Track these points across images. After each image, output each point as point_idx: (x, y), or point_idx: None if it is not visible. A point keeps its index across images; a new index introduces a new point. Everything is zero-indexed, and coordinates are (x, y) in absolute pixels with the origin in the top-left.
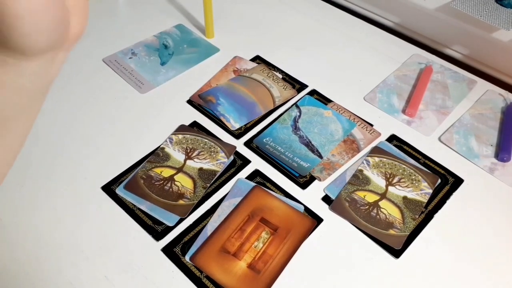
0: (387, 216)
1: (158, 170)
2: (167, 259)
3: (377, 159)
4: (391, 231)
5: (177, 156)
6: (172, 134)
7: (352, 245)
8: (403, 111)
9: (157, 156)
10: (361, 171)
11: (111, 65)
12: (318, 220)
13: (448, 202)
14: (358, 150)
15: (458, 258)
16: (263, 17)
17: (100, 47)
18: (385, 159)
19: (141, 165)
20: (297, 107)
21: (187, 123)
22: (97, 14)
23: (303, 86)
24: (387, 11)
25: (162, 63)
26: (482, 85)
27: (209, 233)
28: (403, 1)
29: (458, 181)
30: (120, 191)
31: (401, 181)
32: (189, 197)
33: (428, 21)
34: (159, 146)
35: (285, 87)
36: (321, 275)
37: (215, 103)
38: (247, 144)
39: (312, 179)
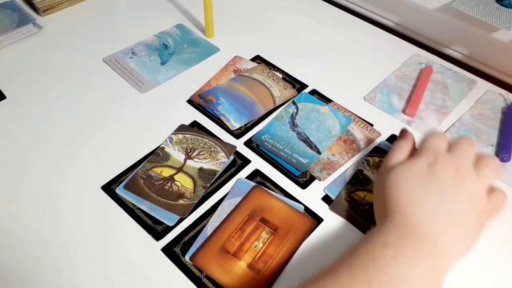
0: None
1: (158, 169)
2: (167, 259)
3: (377, 159)
4: None
5: (177, 156)
6: (172, 134)
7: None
8: (403, 111)
9: (157, 155)
10: (361, 171)
11: (111, 64)
12: (318, 220)
13: None
14: (358, 150)
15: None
16: (263, 17)
17: (100, 47)
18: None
19: (141, 165)
20: (294, 103)
21: (187, 122)
22: (97, 14)
23: (303, 86)
24: (387, 11)
25: (162, 63)
26: (482, 85)
27: (209, 233)
28: (403, 1)
29: None
30: (120, 191)
31: None
32: (189, 197)
33: (428, 21)
34: (159, 146)
35: (285, 87)
36: None
37: (215, 103)
38: (247, 144)
39: (312, 178)
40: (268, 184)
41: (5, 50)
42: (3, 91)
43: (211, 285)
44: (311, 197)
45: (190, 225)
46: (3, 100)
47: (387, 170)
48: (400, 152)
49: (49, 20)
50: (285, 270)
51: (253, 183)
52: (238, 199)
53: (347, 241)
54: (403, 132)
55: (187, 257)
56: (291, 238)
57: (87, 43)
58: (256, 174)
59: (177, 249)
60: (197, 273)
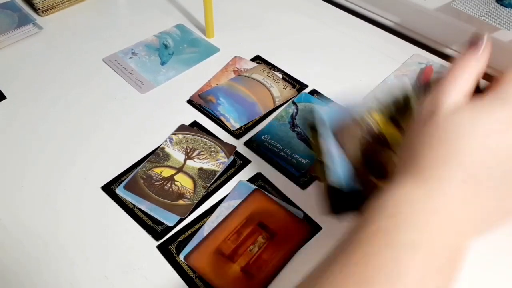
0: None
1: (158, 170)
2: (167, 259)
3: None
4: None
5: (177, 156)
6: (172, 134)
7: None
8: None
9: (157, 156)
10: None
11: (111, 65)
12: (316, 228)
13: None
14: None
15: None
16: (263, 17)
17: (100, 47)
18: None
19: (141, 165)
20: (294, 103)
21: (187, 123)
22: (97, 14)
23: (303, 86)
24: (387, 11)
25: (162, 63)
26: (482, 85)
27: (205, 233)
28: (403, 1)
29: None
30: (120, 191)
31: None
32: (189, 197)
33: (428, 21)
34: (159, 146)
35: (285, 87)
36: None
37: (215, 103)
38: (247, 144)
39: (312, 179)
40: (269, 188)
41: (5, 50)
42: (3, 91)
43: (203, 286)
44: (311, 200)
45: (187, 224)
46: (3, 100)
47: (443, 111)
48: (464, 80)
49: (49, 20)
50: (278, 277)
51: (254, 186)
52: (238, 201)
53: None
54: (475, 39)
55: (181, 256)
56: (287, 245)
57: (87, 43)
58: (258, 178)
59: (172, 247)
60: (190, 272)
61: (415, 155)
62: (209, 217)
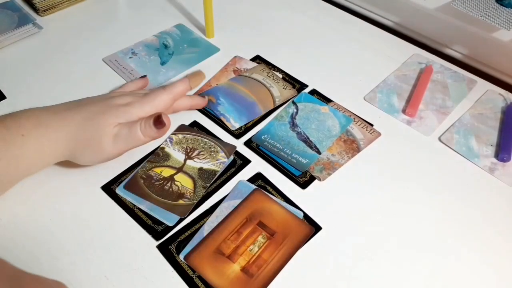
0: None
1: (158, 170)
2: (167, 259)
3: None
4: None
5: (177, 156)
6: (172, 134)
7: (349, 256)
8: (403, 111)
9: (157, 156)
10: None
11: (111, 64)
12: (316, 227)
13: (447, 203)
14: (358, 150)
15: (457, 259)
16: (263, 17)
17: (100, 46)
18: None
19: (141, 165)
20: (294, 103)
21: (187, 123)
22: (97, 14)
23: (303, 86)
24: (387, 11)
25: (162, 63)
26: (482, 85)
27: (205, 233)
28: (403, 1)
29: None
30: (120, 191)
31: None
32: (189, 197)
33: (428, 21)
34: (159, 146)
35: (285, 87)
36: (314, 284)
37: (215, 103)
38: (247, 144)
39: (312, 178)
40: (269, 188)
41: (5, 50)
42: (3, 91)
43: (203, 286)
44: (311, 200)
45: (187, 224)
46: (3, 100)
47: None
48: None
49: (49, 20)
50: (278, 276)
51: (254, 186)
52: (238, 201)
53: (344, 250)
54: None
55: (181, 256)
56: (287, 244)
57: (87, 43)
58: (258, 178)
59: (172, 247)
60: (190, 272)
61: None
62: (209, 217)
